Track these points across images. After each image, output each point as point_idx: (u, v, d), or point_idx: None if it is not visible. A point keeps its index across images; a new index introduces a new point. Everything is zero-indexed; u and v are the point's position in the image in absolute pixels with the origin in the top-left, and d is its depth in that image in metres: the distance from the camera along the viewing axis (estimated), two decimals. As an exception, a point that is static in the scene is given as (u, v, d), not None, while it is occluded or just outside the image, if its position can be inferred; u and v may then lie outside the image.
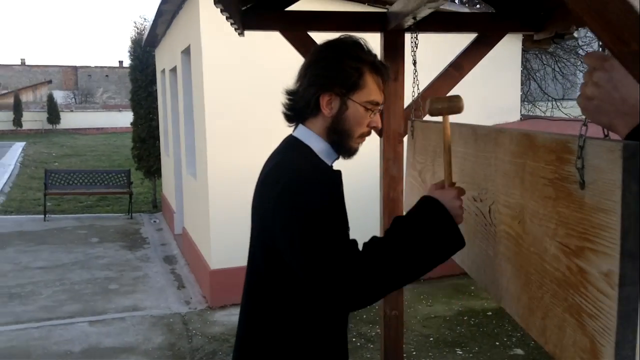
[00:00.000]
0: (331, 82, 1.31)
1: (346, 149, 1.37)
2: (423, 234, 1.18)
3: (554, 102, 10.66)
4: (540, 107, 10.69)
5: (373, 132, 1.44)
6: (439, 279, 5.84)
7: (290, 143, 1.39)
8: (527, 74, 10.34)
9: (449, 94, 1.45)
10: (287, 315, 1.33)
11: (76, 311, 5.30)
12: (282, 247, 1.25)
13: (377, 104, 1.35)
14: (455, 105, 1.37)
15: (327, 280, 1.16)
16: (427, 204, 1.24)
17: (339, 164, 1.42)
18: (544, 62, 10.63)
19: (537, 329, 1.00)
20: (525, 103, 10.29)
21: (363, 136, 1.38)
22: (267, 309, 1.35)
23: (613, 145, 0.80)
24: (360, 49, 1.34)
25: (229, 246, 5.15)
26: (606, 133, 0.88)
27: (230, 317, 5.12)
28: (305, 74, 1.36)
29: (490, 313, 5.15)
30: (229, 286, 5.06)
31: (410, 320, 4.93)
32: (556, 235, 0.94)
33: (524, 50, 7.38)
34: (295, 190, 1.22)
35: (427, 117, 1.74)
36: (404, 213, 2.24)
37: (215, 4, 1.78)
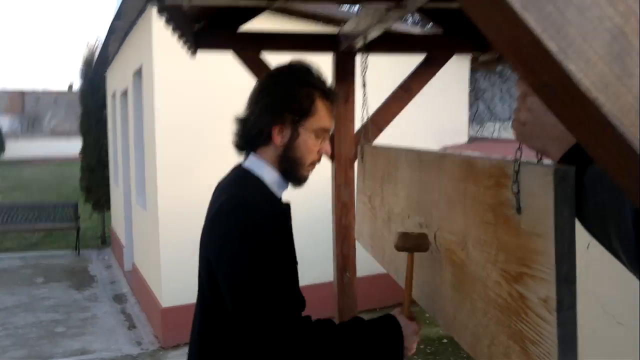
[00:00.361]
0: (283, 110, 1.30)
1: (297, 178, 1.37)
2: (373, 348, 1.24)
3: (501, 123, 11.02)
4: (488, 128, 11.03)
5: (324, 159, 1.43)
6: (394, 307, 5.80)
7: (241, 175, 1.36)
8: (476, 95, 10.67)
9: (414, 233, 1.44)
10: (239, 353, 1.29)
11: (21, 357, 5.00)
12: (224, 293, 1.23)
13: (327, 130, 1.36)
14: (423, 244, 1.32)
15: (261, 334, 1.18)
16: (390, 326, 1.30)
17: (290, 192, 1.40)
18: (492, 83, 11.00)
19: (485, 356, 0.99)
20: (474, 124, 10.58)
21: (314, 164, 1.38)
22: (218, 347, 1.32)
23: (546, 169, 0.80)
24: (310, 74, 1.35)
25: (180, 282, 4.94)
26: (539, 157, 0.90)
27: (184, 356, 4.85)
28: (256, 100, 1.35)
29: (445, 340, 5.16)
30: (181, 325, 4.83)
31: (368, 351, 4.88)
32: (497, 262, 0.94)
33: (473, 71, 7.63)
34: (243, 234, 1.20)
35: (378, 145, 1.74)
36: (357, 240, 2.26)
37: (166, 21, 1.74)
